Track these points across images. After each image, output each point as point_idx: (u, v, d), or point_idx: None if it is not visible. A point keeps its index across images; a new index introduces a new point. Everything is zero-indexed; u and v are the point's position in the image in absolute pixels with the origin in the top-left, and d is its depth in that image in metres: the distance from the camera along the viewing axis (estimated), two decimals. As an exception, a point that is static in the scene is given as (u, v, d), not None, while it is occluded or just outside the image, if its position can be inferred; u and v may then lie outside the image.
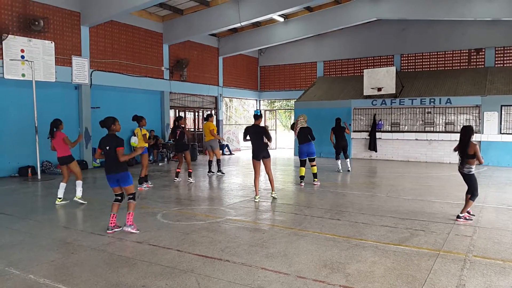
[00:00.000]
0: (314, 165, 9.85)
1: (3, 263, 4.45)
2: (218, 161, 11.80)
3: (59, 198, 7.60)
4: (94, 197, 8.34)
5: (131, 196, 5.69)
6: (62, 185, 7.60)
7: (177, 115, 16.71)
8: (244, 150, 21.15)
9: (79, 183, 7.63)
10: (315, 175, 9.87)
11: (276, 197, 8.09)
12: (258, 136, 7.87)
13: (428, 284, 3.87)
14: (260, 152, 7.87)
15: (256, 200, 7.83)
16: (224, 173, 11.81)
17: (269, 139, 8.04)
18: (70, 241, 5.25)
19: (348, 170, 12.17)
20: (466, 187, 6.32)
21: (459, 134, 6.33)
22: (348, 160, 12.29)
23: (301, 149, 9.74)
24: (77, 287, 3.82)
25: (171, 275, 4.10)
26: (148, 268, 4.29)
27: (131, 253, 4.78)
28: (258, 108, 23.25)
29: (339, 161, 12.24)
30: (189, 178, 10.43)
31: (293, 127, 10.34)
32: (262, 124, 8.30)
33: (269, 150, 8.05)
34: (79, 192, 7.63)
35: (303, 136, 9.64)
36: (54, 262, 4.52)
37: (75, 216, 6.84)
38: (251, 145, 8.05)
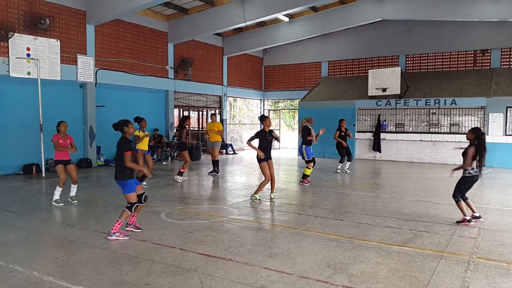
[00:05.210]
0: (306, 167, 9.90)
1: (8, 260, 4.48)
2: (213, 162, 11.64)
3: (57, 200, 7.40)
4: (98, 195, 8.38)
5: (128, 205, 5.37)
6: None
7: (183, 115, 16.69)
8: (248, 150, 21.11)
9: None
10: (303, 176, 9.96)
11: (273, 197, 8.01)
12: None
13: (432, 285, 3.86)
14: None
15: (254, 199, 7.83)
16: (216, 174, 11.51)
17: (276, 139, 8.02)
18: (74, 239, 5.27)
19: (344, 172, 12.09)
20: (472, 190, 6.21)
21: (476, 137, 5.92)
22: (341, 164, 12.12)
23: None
24: (81, 284, 3.83)
25: (174, 273, 4.10)
26: (152, 266, 4.30)
27: (134, 251, 4.79)
28: (261, 110, 23.20)
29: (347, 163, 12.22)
30: (178, 177, 10.33)
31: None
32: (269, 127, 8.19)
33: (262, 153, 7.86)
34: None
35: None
36: (58, 259, 4.54)
37: (79, 214, 6.86)
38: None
